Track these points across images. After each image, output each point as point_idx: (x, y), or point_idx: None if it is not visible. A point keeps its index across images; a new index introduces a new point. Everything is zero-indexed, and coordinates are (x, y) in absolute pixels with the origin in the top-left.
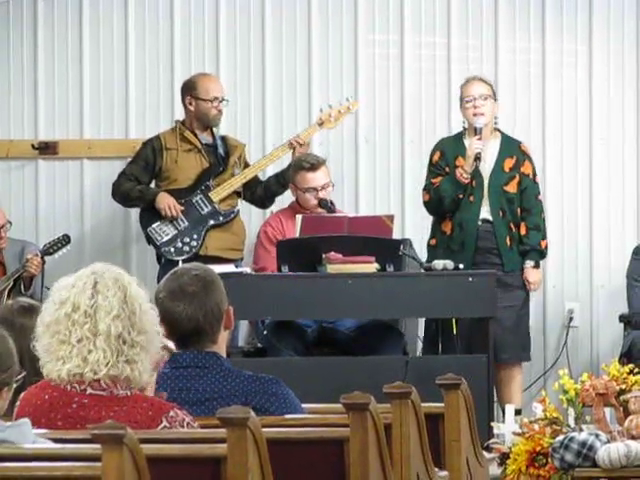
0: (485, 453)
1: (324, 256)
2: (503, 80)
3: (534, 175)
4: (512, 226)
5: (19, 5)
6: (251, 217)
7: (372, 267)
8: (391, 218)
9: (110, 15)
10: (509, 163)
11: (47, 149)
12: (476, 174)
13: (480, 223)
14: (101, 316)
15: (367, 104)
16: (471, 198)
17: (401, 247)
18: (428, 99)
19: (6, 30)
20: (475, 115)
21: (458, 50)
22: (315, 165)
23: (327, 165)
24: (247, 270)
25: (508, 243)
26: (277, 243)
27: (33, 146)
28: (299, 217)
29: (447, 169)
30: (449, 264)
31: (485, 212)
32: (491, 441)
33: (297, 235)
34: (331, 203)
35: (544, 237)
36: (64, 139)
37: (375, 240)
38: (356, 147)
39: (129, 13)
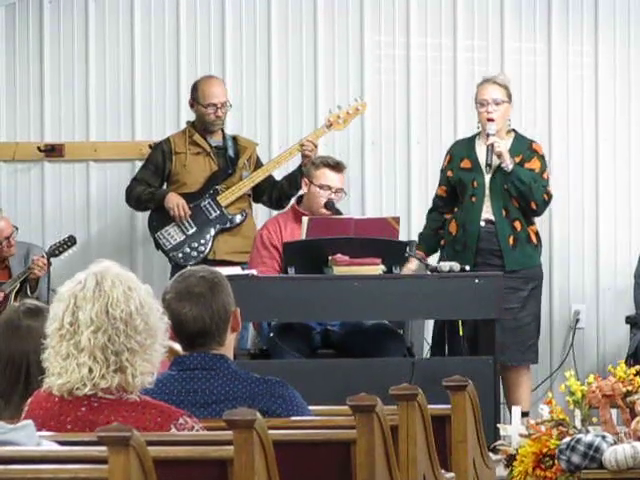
0: (491, 455)
1: (330, 258)
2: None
3: (542, 171)
4: (517, 224)
5: (25, 7)
6: (261, 219)
7: (378, 269)
8: (397, 220)
9: (116, 17)
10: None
11: (53, 151)
12: (478, 175)
13: (483, 224)
14: (82, 330)
15: (373, 105)
16: (473, 199)
17: (407, 249)
18: (434, 100)
19: (12, 32)
20: (488, 120)
21: (464, 51)
22: (340, 166)
23: (345, 174)
24: (253, 272)
25: (511, 242)
26: (283, 245)
27: (39, 148)
28: (305, 219)
29: (450, 173)
30: (455, 266)
31: (488, 212)
32: (498, 443)
33: (303, 237)
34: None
35: (537, 198)
36: (70, 141)
37: (381, 242)
38: (362, 148)
39: (135, 15)
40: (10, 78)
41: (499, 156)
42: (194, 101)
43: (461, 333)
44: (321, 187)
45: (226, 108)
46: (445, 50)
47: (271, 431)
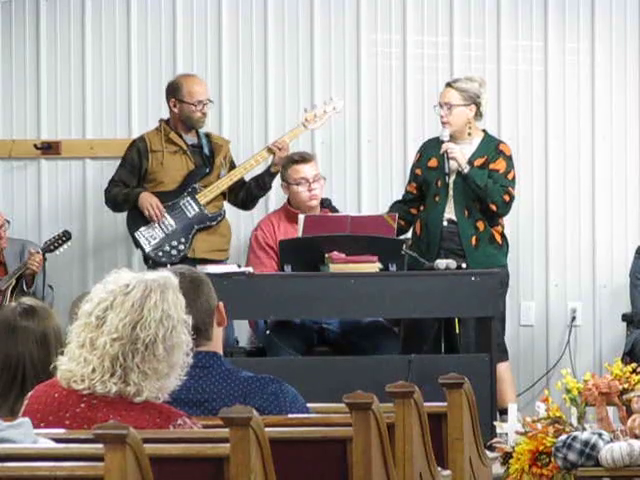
0: (488, 452)
1: (327, 256)
2: (505, 79)
3: (506, 172)
4: (480, 224)
5: (21, 5)
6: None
7: (375, 267)
8: (393, 217)
9: (112, 15)
10: (478, 162)
11: (49, 149)
12: (441, 174)
13: (445, 224)
14: (104, 331)
15: (369, 103)
16: (436, 198)
17: (403, 246)
18: (430, 98)
19: (9, 30)
20: (442, 124)
21: (460, 49)
22: (306, 158)
23: (317, 162)
24: (249, 270)
25: (474, 243)
26: (280, 242)
27: (36, 146)
28: (301, 217)
29: (418, 171)
30: (451, 264)
31: (450, 212)
32: (494, 440)
33: (299, 235)
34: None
35: (496, 200)
36: (66, 139)
37: (378, 239)
38: (358, 146)
39: (131, 13)
40: (6, 75)
41: (454, 160)
42: (176, 100)
43: (457, 331)
44: (298, 183)
45: (208, 105)
46: (441, 48)
47: (267, 429)
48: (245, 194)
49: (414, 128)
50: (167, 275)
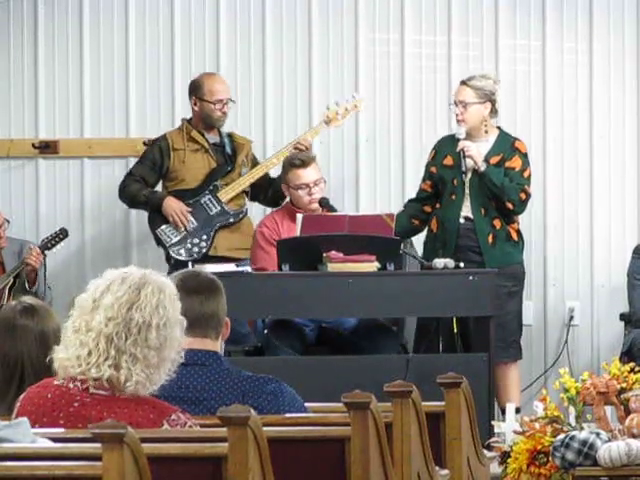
0: (486, 452)
1: (325, 255)
2: (503, 78)
3: (522, 170)
4: (496, 222)
5: (19, 4)
6: (252, 216)
7: (373, 266)
8: (392, 217)
9: (110, 14)
10: (494, 160)
11: (47, 148)
12: (458, 173)
13: (462, 221)
14: (100, 312)
15: (368, 102)
16: (453, 197)
17: (402, 246)
18: (429, 97)
19: (6, 29)
20: (457, 122)
21: (459, 48)
22: (305, 161)
23: (317, 162)
24: (247, 269)
25: (490, 240)
26: (277, 242)
27: (34, 145)
28: (299, 216)
29: (433, 169)
30: (450, 263)
31: (467, 210)
32: (492, 440)
33: (298, 234)
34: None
35: (512, 198)
36: (64, 138)
37: (376, 239)
38: (357, 146)
39: (129, 12)
40: (4, 75)
41: (470, 158)
42: (197, 98)
43: (455, 330)
44: (298, 187)
45: (229, 104)
46: (439, 47)
47: (265, 428)
48: (274, 191)
49: (412, 127)
50: (165, 278)
